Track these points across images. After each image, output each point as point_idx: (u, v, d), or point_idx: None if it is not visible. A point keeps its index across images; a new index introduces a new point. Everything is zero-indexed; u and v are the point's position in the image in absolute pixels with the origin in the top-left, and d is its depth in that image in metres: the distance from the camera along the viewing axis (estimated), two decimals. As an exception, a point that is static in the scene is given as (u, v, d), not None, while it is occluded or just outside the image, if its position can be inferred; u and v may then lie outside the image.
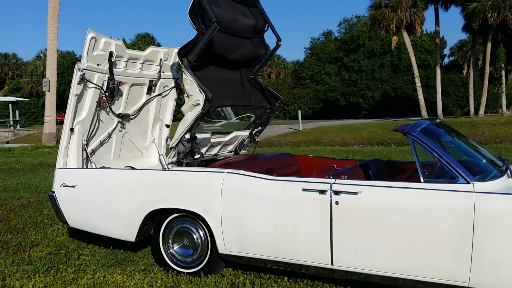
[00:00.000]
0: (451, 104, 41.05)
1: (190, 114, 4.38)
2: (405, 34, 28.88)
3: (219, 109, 5.00)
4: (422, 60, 45.83)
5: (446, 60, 52.71)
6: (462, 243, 3.14)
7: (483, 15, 25.44)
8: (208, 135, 4.94)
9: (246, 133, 5.68)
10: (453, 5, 29.10)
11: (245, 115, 5.56)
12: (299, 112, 28.47)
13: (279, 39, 5.19)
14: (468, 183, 3.23)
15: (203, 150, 4.92)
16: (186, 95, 4.42)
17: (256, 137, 5.79)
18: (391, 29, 28.61)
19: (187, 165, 4.58)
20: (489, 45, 27.41)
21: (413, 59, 29.39)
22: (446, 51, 52.65)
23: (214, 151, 5.34)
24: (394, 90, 43.07)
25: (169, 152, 4.76)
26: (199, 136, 4.71)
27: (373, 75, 46.12)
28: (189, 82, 4.35)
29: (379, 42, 45.50)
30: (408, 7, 28.06)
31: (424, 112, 28.63)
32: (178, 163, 4.60)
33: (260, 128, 5.74)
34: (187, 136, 4.46)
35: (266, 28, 5.24)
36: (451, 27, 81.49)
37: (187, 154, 4.58)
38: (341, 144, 20.86)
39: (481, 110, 28.23)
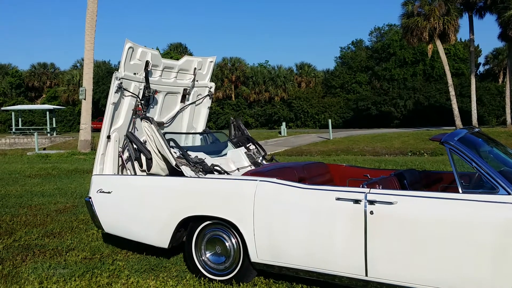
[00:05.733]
0: (487, 113, 40.03)
1: (152, 135, 4.67)
2: (438, 43, 28.37)
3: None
4: (456, 68, 44.95)
5: (481, 69, 51.55)
6: (503, 256, 3.04)
7: (520, 22, 24.82)
8: (201, 153, 4.94)
9: (240, 149, 5.64)
10: (488, 12, 28.44)
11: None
12: (329, 121, 28.25)
13: None
14: (509, 194, 3.13)
15: (218, 162, 4.91)
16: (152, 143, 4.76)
17: (261, 150, 5.76)
18: (424, 38, 28.17)
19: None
20: (526, 53, 26.68)
21: (446, 68, 28.82)
22: (481, 60, 51.51)
23: (232, 166, 5.27)
24: (427, 99, 42.29)
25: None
26: (192, 153, 4.77)
27: (405, 83, 45.45)
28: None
29: (411, 50, 44.89)
30: (442, 15, 27.59)
31: (458, 122, 28.00)
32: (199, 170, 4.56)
33: (247, 139, 5.78)
34: (175, 150, 4.62)
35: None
36: (486, 35, 79.74)
37: (196, 165, 4.51)
38: (372, 154, 20.56)
39: (518, 120, 27.46)
